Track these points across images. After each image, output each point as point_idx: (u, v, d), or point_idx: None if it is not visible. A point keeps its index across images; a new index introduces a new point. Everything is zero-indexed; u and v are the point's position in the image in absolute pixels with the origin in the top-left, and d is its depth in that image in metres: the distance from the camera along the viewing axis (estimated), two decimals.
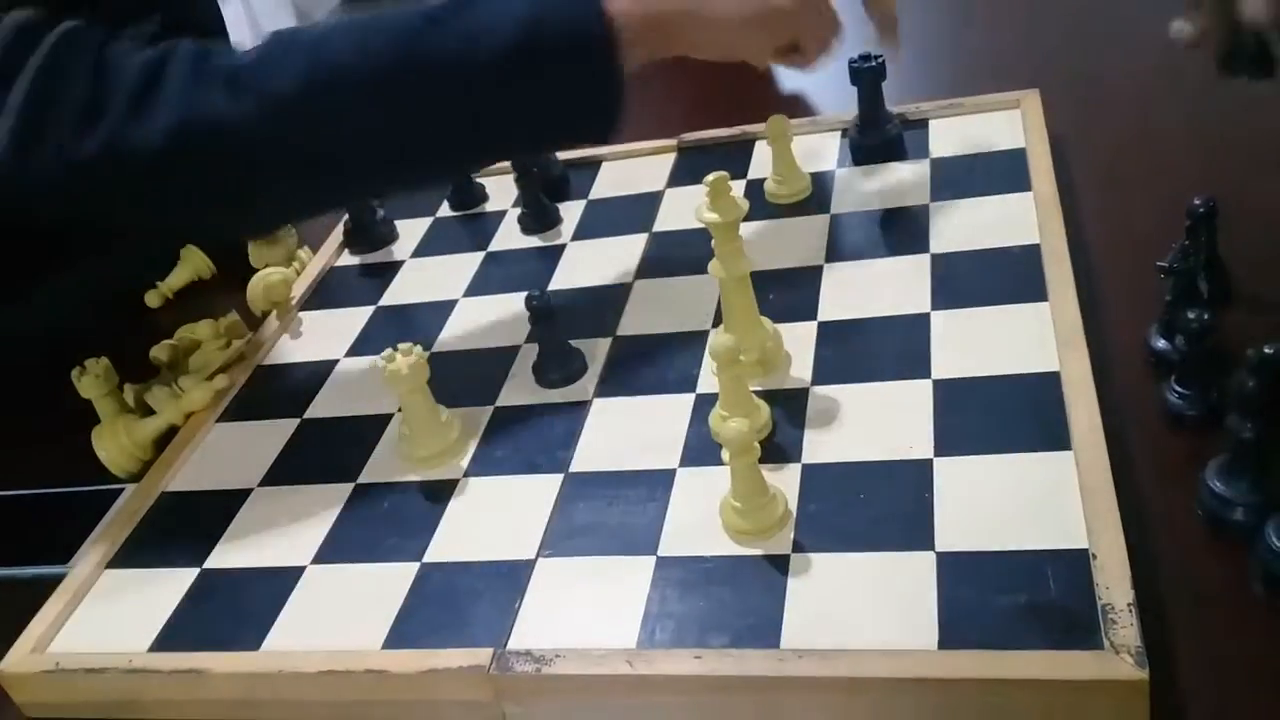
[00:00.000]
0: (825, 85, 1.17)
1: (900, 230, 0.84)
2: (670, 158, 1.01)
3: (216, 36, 1.14)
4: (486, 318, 0.86)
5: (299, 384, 0.84)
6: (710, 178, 0.69)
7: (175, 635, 0.65)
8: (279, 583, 0.66)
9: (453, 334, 0.85)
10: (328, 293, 0.95)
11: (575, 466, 0.70)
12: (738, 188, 0.88)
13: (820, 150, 0.96)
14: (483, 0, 0.70)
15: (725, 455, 0.61)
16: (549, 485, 0.69)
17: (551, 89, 0.70)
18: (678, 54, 0.75)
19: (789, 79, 1.21)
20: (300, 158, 0.70)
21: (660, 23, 0.73)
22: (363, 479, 0.73)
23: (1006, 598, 0.55)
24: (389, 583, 0.65)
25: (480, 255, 0.94)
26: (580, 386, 0.76)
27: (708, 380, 0.74)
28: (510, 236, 0.96)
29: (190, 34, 1.07)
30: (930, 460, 0.63)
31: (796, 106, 1.12)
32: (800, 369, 0.73)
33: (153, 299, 1.01)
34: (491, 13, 0.70)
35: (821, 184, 0.92)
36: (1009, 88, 0.96)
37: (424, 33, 0.69)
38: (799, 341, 0.75)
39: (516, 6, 0.69)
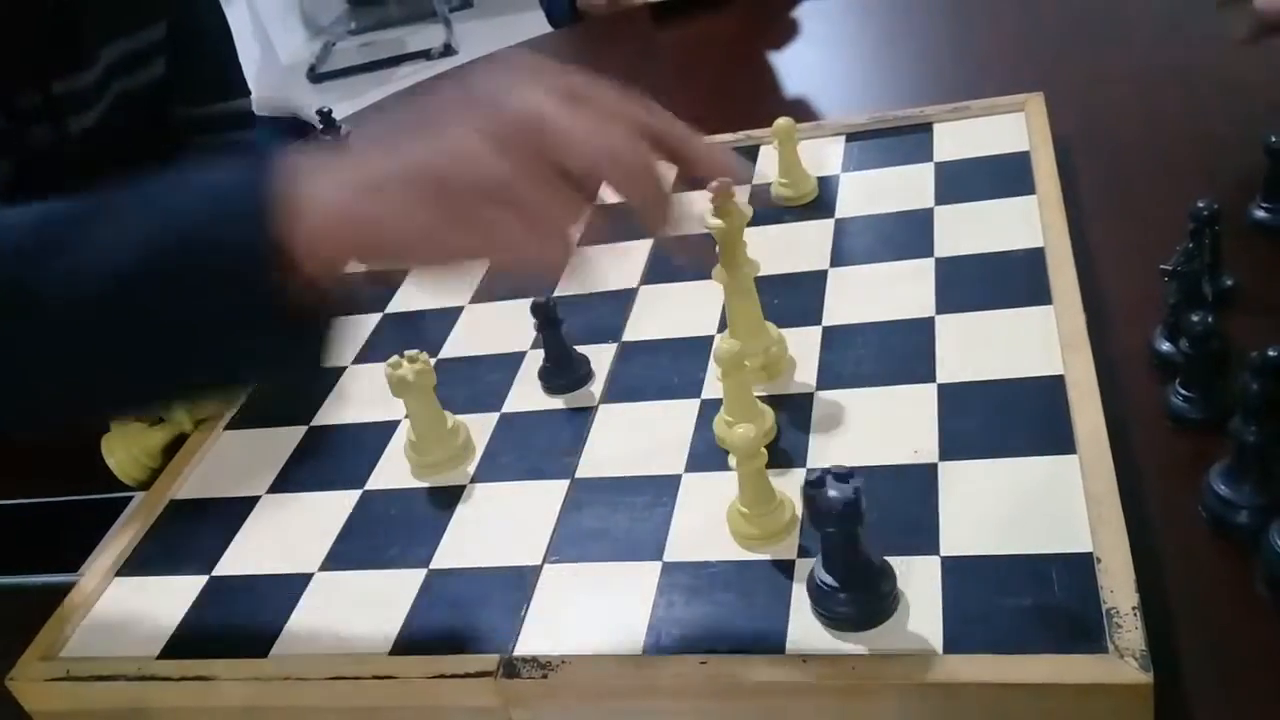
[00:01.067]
0: (831, 89, 1.18)
1: (905, 234, 0.84)
2: None
3: (221, 43, 1.15)
4: (492, 324, 0.87)
5: (306, 391, 0.84)
6: (714, 183, 0.69)
7: (184, 642, 0.65)
8: (287, 589, 0.67)
9: (458, 341, 0.86)
10: None
11: (581, 472, 0.70)
12: (743, 193, 0.88)
13: (825, 154, 0.96)
14: (120, 210, 0.52)
15: (732, 461, 0.61)
16: (555, 491, 0.69)
17: (183, 330, 0.51)
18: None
19: (793, 83, 1.22)
20: None
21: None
22: (370, 485, 0.73)
23: (1011, 601, 0.55)
24: (396, 589, 0.65)
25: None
26: (586, 392, 0.77)
27: (713, 386, 0.74)
28: None
29: (196, 40, 1.09)
30: (935, 464, 0.64)
31: (802, 110, 1.12)
32: (805, 374, 0.73)
33: None
34: (114, 233, 0.51)
35: (826, 188, 0.92)
36: (1013, 91, 0.96)
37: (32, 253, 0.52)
38: (803, 346, 0.75)
39: (146, 224, 0.51)
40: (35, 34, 0.92)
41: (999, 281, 0.76)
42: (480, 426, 0.76)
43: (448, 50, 4.00)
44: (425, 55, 4.02)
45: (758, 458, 0.61)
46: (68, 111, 0.96)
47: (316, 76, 4.11)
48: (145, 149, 1.07)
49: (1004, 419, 0.66)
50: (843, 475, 0.53)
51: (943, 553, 0.58)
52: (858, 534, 0.54)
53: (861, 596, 0.55)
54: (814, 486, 0.53)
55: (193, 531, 0.73)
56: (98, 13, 0.97)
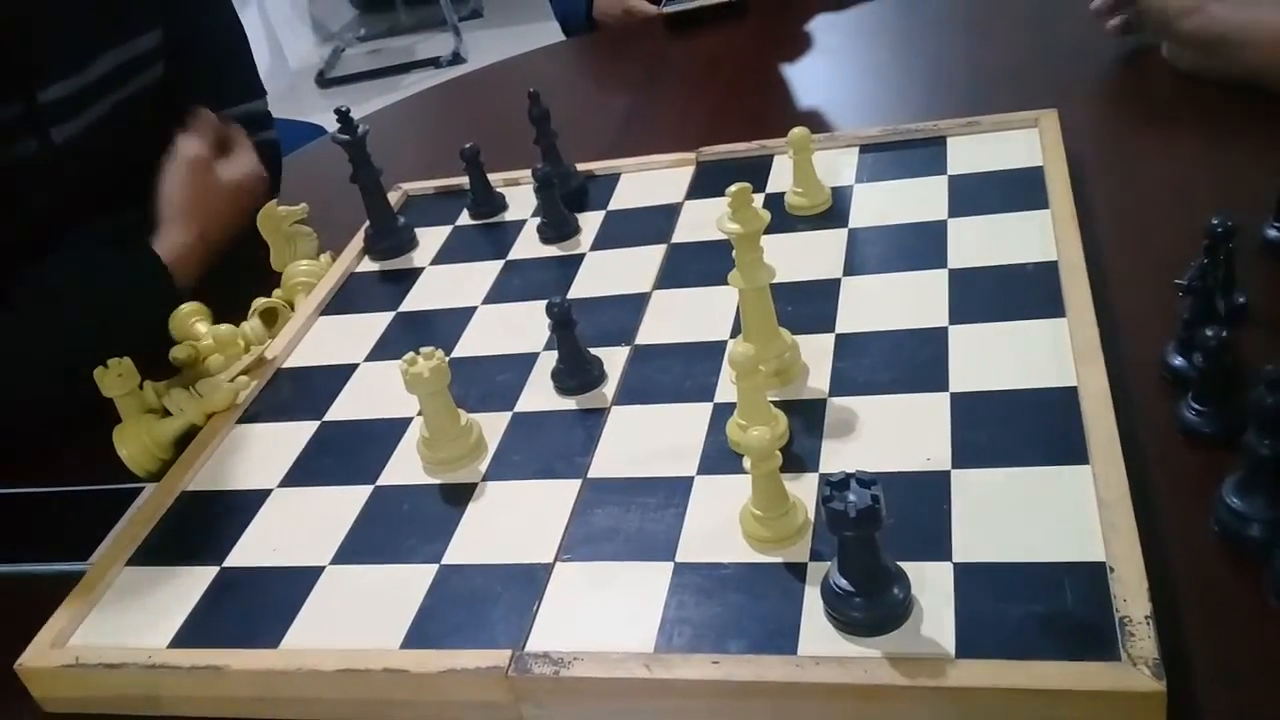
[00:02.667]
0: (845, 101, 1.18)
1: (918, 245, 0.84)
2: (689, 170, 1.02)
3: (231, 46, 1.15)
4: (505, 325, 0.87)
5: (319, 387, 0.84)
6: (733, 188, 0.69)
7: (194, 632, 0.65)
8: (298, 582, 0.67)
9: (471, 340, 0.86)
10: (348, 298, 0.96)
11: (593, 472, 0.70)
12: (756, 200, 0.89)
13: (839, 165, 0.96)
14: None
15: (747, 463, 0.61)
16: (567, 490, 0.69)
17: None
18: None
19: (807, 94, 1.22)
20: None
21: None
22: (382, 481, 0.74)
23: (1024, 608, 0.55)
24: (408, 583, 0.65)
25: (499, 264, 0.95)
26: (598, 394, 0.77)
27: (725, 389, 0.74)
28: (529, 245, 0.97)
29: (199, 45, 1.10)
30: (948, 472, 0.64)
31: (814, 122, 1.12)
32: (818, 380, 0.74)
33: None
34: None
35: (840, 198, 0.92)
36: (1027, 106, 0.96)
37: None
38: (817, 353, 0.76)
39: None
40: (18, 44, 0.93)
41: (1012, 293, 0.77)
42: (493, 425, 0.76)
43: (456, 58, 4.01)
44: (434, 63, 4.03)
45: (772, 460, 0.61)
46: (50, 122, 0.96)
47: (325, 82, 4.12)
48: (147, 152, 1.08)
49: (1016, 429, 0.66)
50: (865, 480, 0.53)
51: (955, 559, 0.59)
52: (875, 539, 0.54)
53: (876, 602, 0.55)
54: (834, 490, 0.53)
55: (204, 523, 0.74)
56: (86, 19, 0.97)
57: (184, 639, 0.65)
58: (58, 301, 0.90)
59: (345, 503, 0.72)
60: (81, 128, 0.99)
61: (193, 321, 0.94)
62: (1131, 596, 0.54)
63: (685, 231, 0.93)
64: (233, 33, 1.17)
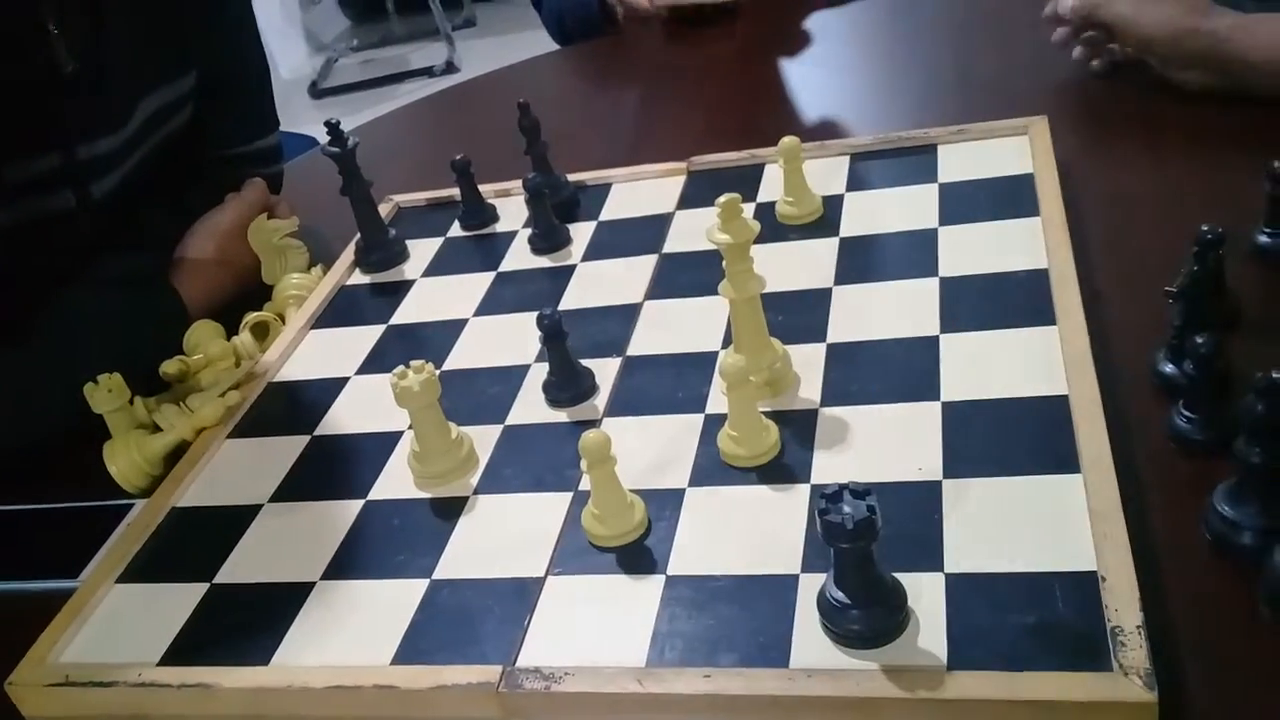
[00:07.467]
0: (836, 110, 1.18)
1: (909, 253, 0.84)
2: (680, 180, 1.02)
3: (257, 84, 1.15)
4: (496, 337, 0.87)
5: (310, 401, 0.84)
6: (722, 199, 0.69)
7: (184, 649, 0.65)
8: (289, 598, 0.67)
9: (463, 353, 0.86)
10: (339, 311, 0.96)
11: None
12: (747, 210, 0.89)
13: (829, 174, 0.96)
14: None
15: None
16: (558, 503, 0.69)
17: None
18: None
19: (799, 103, 1.22)
20: None
21: None
22: (373, 495, 0.73)
23: (1016, 619, 0.55)
24: (399, 599, 0.65)
25: (491, 275, 0.95)
26: (589, 406, 0.77)
27: (717, 400, 0.74)
28: (521, 256, 0.97)
29: (229, 88, 1.09)
30: (939, 482, 0.64)
31: (805, 131, 1.12)
32: (809, 390, 0.73)
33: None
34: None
35: (831, 207, 0.92)
36: (1017, 114, 0.96)
37: None
38: (808, 363, 0.75)
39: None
40: (60, 100, 0.92)
41: (1003, 302, 0.77)
42: (484, 438, 0.76)
43: (450, 68, 4.01)
44: (428, 72, 4.03)
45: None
46: (91, 177, 0.96)
47: (318, 92, 4.12)
48: (164, 192, 1.07)
49: (1008, 437, 0.66)
50: (859, 491, 0.53)
51: (947, 570, 0.58)
52: (871, 552, 0.54)
53: (874, 614, 0.55)
54: (830, 502, 0.53)
55: (194, 539, 0.73)
56: (130, 72, 0.97)
57: (174, 656, 0.65)
58: (80, 338, 0.89)
59: (336, 518, 0.72)
60: (118, 179, 0.99)
61: (209, 338, 0.93)
62: (1123, 606, 0.54)
63: (676, 241, 0.93)
64: (259, 67, 1.16)
